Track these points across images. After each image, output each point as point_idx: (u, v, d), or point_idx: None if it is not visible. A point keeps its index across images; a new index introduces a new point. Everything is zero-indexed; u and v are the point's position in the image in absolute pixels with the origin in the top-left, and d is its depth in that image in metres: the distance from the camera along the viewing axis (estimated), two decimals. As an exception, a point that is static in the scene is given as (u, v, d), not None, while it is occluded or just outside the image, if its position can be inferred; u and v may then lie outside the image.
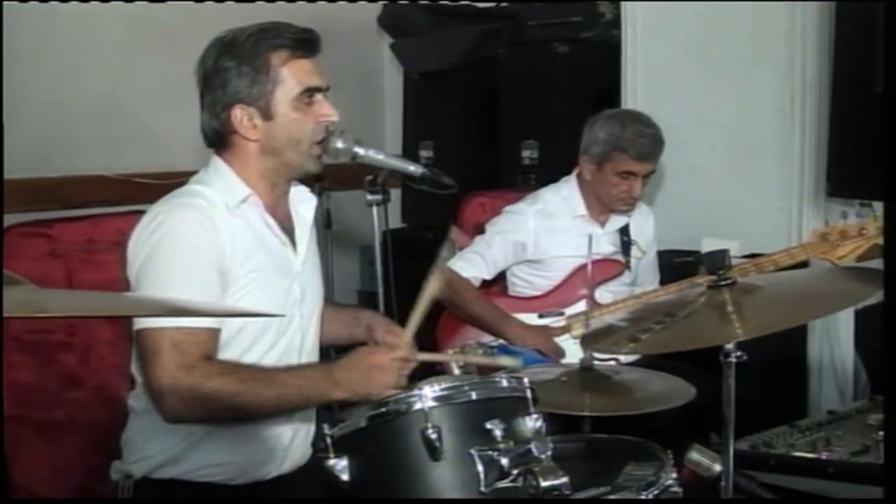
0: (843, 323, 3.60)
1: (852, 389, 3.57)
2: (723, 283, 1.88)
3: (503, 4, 4.61)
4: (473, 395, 1.65)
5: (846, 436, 2.47)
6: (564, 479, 1.51)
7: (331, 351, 2.49)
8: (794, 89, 3.60)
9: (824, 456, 2.37)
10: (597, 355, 2.32)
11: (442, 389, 1.64)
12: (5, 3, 3.79)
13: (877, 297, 1.80)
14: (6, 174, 3.79)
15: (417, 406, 1.62)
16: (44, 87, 3.96)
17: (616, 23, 4.15)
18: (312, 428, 2.24)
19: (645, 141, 3.03)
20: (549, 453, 1.56)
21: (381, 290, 2.54)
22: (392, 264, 2.77)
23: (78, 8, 4.02)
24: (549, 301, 3.13)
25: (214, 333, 2.03)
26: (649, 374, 2.34)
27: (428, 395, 1.62)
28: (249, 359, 2.09)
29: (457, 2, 4.73)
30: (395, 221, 4.60)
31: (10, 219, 3.35)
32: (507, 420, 1.62)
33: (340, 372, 1.98)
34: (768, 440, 2.47)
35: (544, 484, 1.50)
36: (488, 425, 1.60)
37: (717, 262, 1.87)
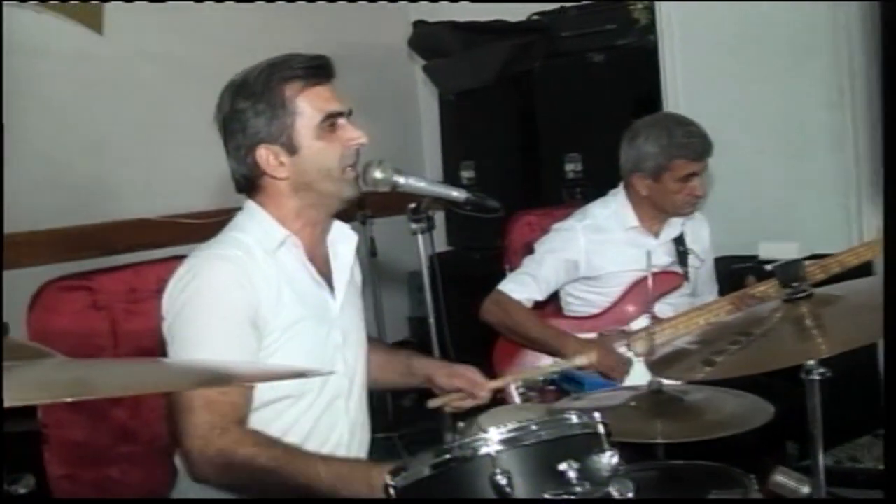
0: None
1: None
2: (799, 295, 1.72)
3: (535, 17, 4.50)
4: (543, 435, 1.50)
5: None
6: (649, 523, 1.36)
7: (388, 404, 2.37)
8: (842, 80, 3.44)
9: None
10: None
11: (508, 431, 1.49)
12: (38, 52, 3.76)
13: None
14: (48, 224, 3.80)
15: (484, 450, 1.47)
16: (81, 133, 3.92)
17: (651, 28, 4.05)
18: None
19: (697, 140, 2.91)
20: (630, 494, 1.41)
21: (431, 318, 2.41)
22: (441, 289, 2.64)
23: (111, 52, 3.98)
24: (607, 319, 2.97)
25: (248, 393, 1.92)
26: (722, 392, 2.17)
27: (494, 437, 1.48)
28: (296, 411, 1.99)
29: (487, 18, 4.60)
30: (441, 244, 4.49)
31: (54, 269, 3.30)
32: (581, 459, 1.47)
33: (381, 477, 1.83)
34: (853, 454, 2.31)
35: (628, 529, 1.35)
36: (561, 466, 1.45)
37: (790, 273, 1.71)
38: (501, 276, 3.15)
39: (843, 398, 3.02)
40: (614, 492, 1.42)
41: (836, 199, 3.44)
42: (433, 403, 2.25)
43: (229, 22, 4.34)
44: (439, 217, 4.04)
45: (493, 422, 1.96)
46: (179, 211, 4.12)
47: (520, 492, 1.45)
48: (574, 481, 1.45)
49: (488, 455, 1.47)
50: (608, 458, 1.50)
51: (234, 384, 1.73)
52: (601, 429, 1.54)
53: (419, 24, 4.72)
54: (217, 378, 1.37)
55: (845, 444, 2.37)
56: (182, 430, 1.87)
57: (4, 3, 3.60)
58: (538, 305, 3.02)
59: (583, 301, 3.05)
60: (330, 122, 2.00)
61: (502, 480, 1.44)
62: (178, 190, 4.18)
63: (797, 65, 3.58)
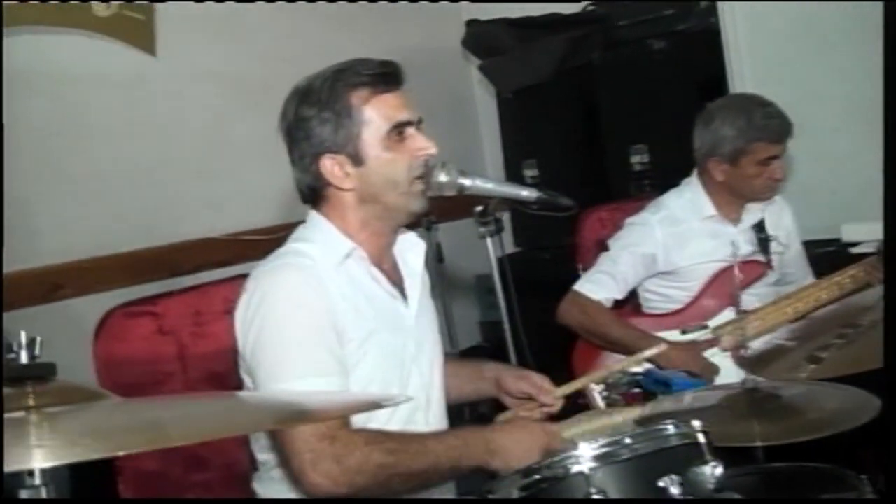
0: None
1: None
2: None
3: (590, 8, 4.37)
4: (639, 449, 1.39)
5: None
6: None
7: (464, 409, 2.27)
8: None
9: None
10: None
11: (601, 446, 1.38)
12: (93, 78, 3.74)
13: None
14: (114, 249, 3.77)
15: (576, 469, 1.37)
16: (140, 156, 3.89)
17: (712, 9, 3.89)
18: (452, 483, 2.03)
19: (777, 121, 2.78)
20: (741, 510, 1.29)
21: (506, 323, 2.29)
22: (513, 292, 2.53)
23: (166, 73, 3.94)
24: (690, 314, 2.83)
25: None
26: (821, 387, 2.02)
27: (586, 454, 1.37)
28: (373, 425, 1.88)
29: (541, 13, 4.47)
30: (508, 246, 4.38)
31: (123, 293, 3.25)
32: (683, 473, 1.36)
33: (499, 439, 1.77)
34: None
35: (742, 550, 1.23)
36: (661, 483, 1.34)
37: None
38: (573, 275, 3.03)
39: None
40: (723, 508, 1.29)
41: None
42: (502, 418, 2.15)
43: (282, 34, 4.29)
44: (505, 218, 3.94)
45: (574, 428, 1.85)
46: (243, 228, 4.05)
47: (618, 511, 1.34)
48: (677, 498, 1.33)
49: (581, 473, 1.36)
50: (712, 470, 1.39)
51: (311, 421, 1.64)
52: (702, 438, 1.42)
53: (472, 24, 4.61)
54: (295, 416, 1.27)
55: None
56: (289, 447, 1.79)
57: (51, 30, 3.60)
58: (616, 304, 2.90)
59: (662, 297, 2.91)
60: (398, 131, 1.91)
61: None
62: (241, 207, 4.13)
63: (870, 38, 3.38)
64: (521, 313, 2.38)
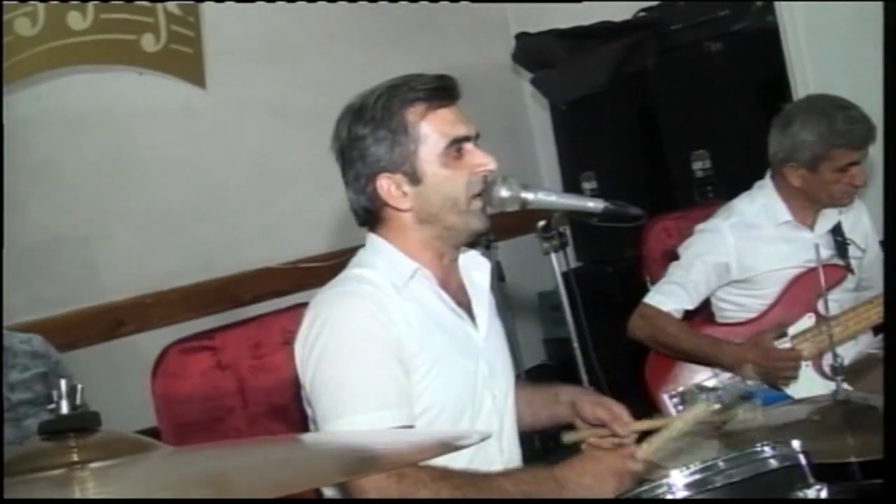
0: None
1: None
2: None
3: (641, 14, 4.29)
4: (735, 475, 1.27)
5: None
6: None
7: (534, 437, 2.16)
8: None
9: None
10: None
11: (693, 473, 1.26)
12: (144, 114, 3.74)
13: None
14: (174, 283, 3.75)
15: (668, 497, 1.25)
16: (194, 189, 3.88)
17: (769, 8, 3.75)
18: None
19: (860, 126, 2.63)
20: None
21: (575, 340, 2.18)
22: (581, 309, 2.42)
23: (216, 105, 3.94)
24: (766, 322, 2.69)
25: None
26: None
27: (678, 483, 1.25)
28: (447, 456, 1.77)
29: (591, 22, 4.40)
30: (570, 261, 4.30)
31: (185, 327, 3.21)
32: (784, 499, 1.23)
33: (568, 474, 1.66)
34: None
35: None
36: (763, 512, 1.22)
37: None
38: (638, 288, 2.93)
39: None
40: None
41: None
42: (569, 438, 2.03)
43: (330, 60, 4.27)
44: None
45: (646, 446, 1.73)
46: (300, 256, 4.03)
47: (716, 544, 1.22)
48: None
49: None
50: (816, 493, 1.26)
51: (380, 470, 1.55)
52: (803, 459, 1.30)
53: (522, 37, 4.57)
54: (363, 465, 1.17)
55: None
56: (355, 486, 1.70)
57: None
58: (687, 314, 2.78)
59: (737, 306, 2.79)
60: (456, 147, 1.83)
61: (693, 532, 1.22)
62: (297, 235, 4.11)
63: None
64: (588, 328, 2.28)
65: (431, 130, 1.83)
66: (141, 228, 3.77)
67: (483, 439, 1.77)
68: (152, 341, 3.45)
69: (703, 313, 2.85)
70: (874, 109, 3.19)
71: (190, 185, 3.88)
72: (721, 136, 3.78)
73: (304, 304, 1.95)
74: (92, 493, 0.78)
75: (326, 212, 4.09)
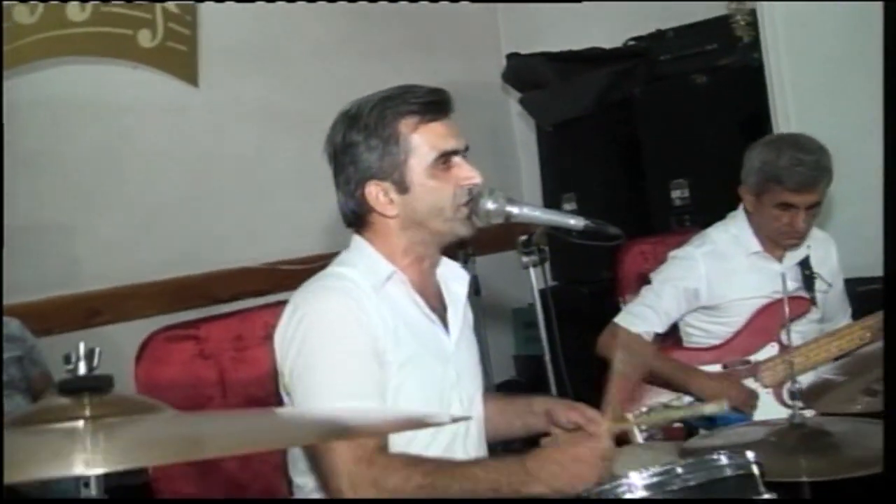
0: None
1: None
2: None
3: (631, 42, 4.43)
4: (691, 480, 1.37)
5: None
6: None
7: (497, 447, 2.24)
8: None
9: None
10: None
11: (651, 476, 1.36)
12: (135, 107, 3.81)
13: None
14: (151, 276, 3.81)
15: (627, 496, 1.35)
16: (179, 185, 3.96)
17: (755, 45, 3.86)
18: None
19: (803, 169, 2.68)
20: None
21: (547, 355, 2.27)
22: (555, 326, 2.51)
23: (207, 104, 4.02)
24: (732, 349, 2.80)
25: None
26: (868, 424, 2.00)
27: (637, 483, 1.35)
28: (415, 449, 1.88)
29: (582, 47, 4.53)
30: (547, 280, 4.40)
31: (160, 320, 3.29)
32: (737, 504, 1.34)
33: (536, 464, 1.73)
34: None
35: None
36: (715, 515, 1.32)
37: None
38: (612, 309, 3.02)
39: None
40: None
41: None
42: (546, 441, 2.12)
43: (322, 68, 4.37)
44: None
45: (623, 463, 1.83)
46: (280, 258, 4.12)
47: (669, 543, 1.32)
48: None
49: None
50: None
51: (352, 436, 1.63)
52: (756, 469, 1.40)
53: (512, 57, 4.69)
54: (335, 430, 1.27)
55: None
56: (328, 470, 1.79)
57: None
58: (657, 338, 2.88)
59: (704, 332, 2.89)
60: (444, 160, 1.92)
61: (648, 531, 1.32)
62: (278, 237, 4.20)
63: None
64: (561, 346, 2.37)
65: (422, 142, 1.91)
66: (124, 220, 3.84)
67: (453, 420, 1.84)
68: (127, 333, 3.52)
69: (672, 337, 2.95)
70: (853, 146, 3.34)
71: (175, 181, 3.96)
72: (701, 166, 3.88)
73: (286, 302, 2.04)
74: (101, 446, 0.86)
75: (308, 216, 4.17)
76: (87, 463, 0.86)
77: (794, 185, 2.69)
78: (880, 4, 3.32)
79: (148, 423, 0.94)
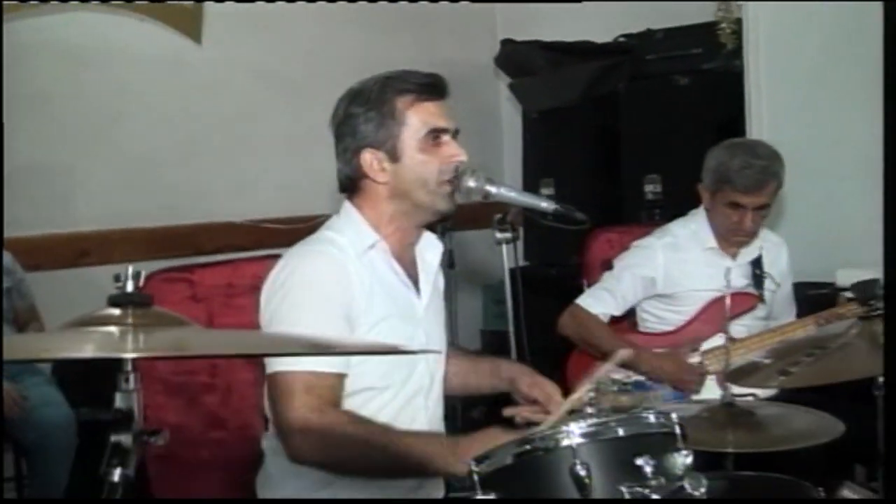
0: None
1: None
2: (875, 313, 1.82)
3: (621, 39, 4.62)
4: (621, 432, 1.62)
5: None
6: (720, 517, 1.47)
7: (456, 403, 2.48)
8: (931, 113, 3.47)
9: None
10: (736, 390, 2.27)
11: (589, 426, 1.62)
12: (139, 59, 4.00)
13: None
14: (145, 223, 4.02)
15: (565, 443, 1.59)
16: (175, 137, 4.15)
17: (738, 53, 4.10)
18: (441, 480, 2.26)
19: (751, 173, 2.93)
20: (703, 490, 1.53)
21: (511, 329, 2.49)
22: (521, 302, 2.74)
23: (208, 61, 4.20)
24: (682, 336, 3.07)
25: (342, 379, 2.07)
26: (793, 409, 2.27)
27: (575, 431, 1.60)
28: (379, 402, 2.13)
29: (574, 39, 4.74)
30: (519, 260, 4.61)
31: (148, 265, 3.50)
32: (657, 456, 1.59)
33: (464, 443, 1.96)
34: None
35: (699, 523, 1.47)
36: (638, 461, 1.57)
37: (867, 292, 1.81)
38: (577, 291, 3.27)
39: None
40: (688, 486, 1.52)
41: (919, 231, 3.48)
42: (508, 411, 2.35)
43: (322, 38, 4.54)
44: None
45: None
46: (264, 216, 4.33)
47: (597, 483, 1.57)
48: (649, 476, 1.56)
49: (570, 447, 1.59)
50: (683, 458, 1.61)
51: (333, 352, 1.84)
52: (678, 429, 1.66)
53: (507, 43, 4.89)
54: (314, 348, 1.51)
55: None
56: (283, 413, 2.03)
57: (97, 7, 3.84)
58: (614, 320, 3.14)
59: (658, 318, 3.15)
60: (434, 136, 2.14)
61: (581, 472, 1.56)
62: (264, 196, 4.40)
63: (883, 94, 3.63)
64: (525, 323, 2.60)
65: (415, 119, 2.14)
66: (118, 167, 4.03)
67: (424, 352, 2.06)
68: (111, 275, 3.74)
69: (628, 321, 3.21)
70: (817, 155, 3.62)
71: (170, 133, 4.15)
72: (675, 164, 4.08)
73: (275, 256, 2.27)
74: (142, 344, 1.11)
75: (294, 178, 4.38)
76: (129, 350, 1.11)
77: (742, 187, 2.94)
78: (859, 25, 3.59)
79: (175, 331, 1.19)
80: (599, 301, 3.09)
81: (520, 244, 4.51)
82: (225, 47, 4.24)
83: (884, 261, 1.46)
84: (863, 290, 1.84)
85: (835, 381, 1.78)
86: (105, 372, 3.74)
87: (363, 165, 2.16)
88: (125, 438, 1.17)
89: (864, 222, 3.61)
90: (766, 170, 2.95)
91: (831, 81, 3.76)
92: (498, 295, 2.56)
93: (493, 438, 1.94)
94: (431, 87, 2.17)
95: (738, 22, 4.07)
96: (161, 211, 4.10)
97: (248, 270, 2.59)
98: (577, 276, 3.48)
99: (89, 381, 3.73)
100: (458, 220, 3.41)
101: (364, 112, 2.15)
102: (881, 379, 1.80)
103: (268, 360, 2.09)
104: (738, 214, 2.98)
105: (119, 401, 1.20)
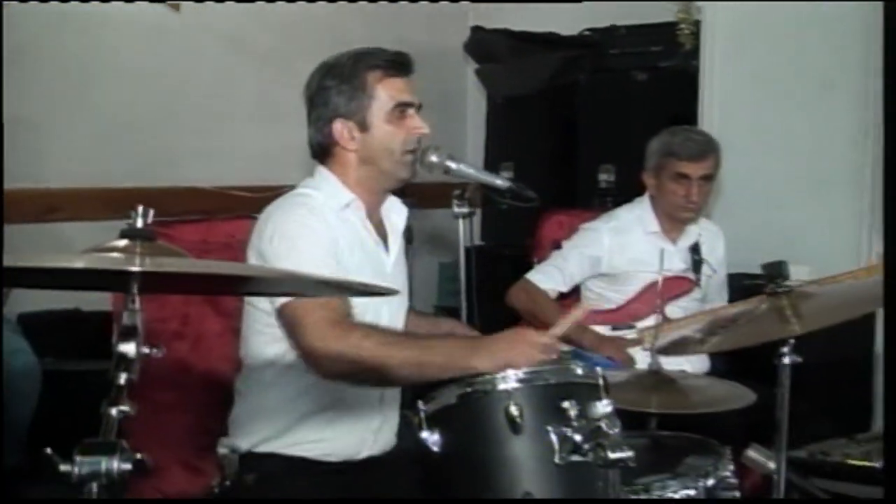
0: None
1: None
2: (781, 290, 2.12)
3: (586, 33, 4.86)
4: (551, 379, 1.91)
5: (901, 447, 2.67)
6: (630, 453, 1.75)
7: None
8: (867, 122, 3.80)
9: (878, 464, 2.57)
10: (665, 362, 2.57)
11: (524, 373, 1.90)
12: (119, 23, 4.19)
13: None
14: (112, 183, 4.22)
15: (502, 386, 1.88)
16: (149, 101, 4.32)
17: (694, 53, 4.37)
18: (397, 420, 2.52)
19: (693, 144, 3.29)
20: (617, 430, 1.80)
21: (464, 304, 2.69)
22: (474, 279, 2.97)
23: (186, 29, 4.39)
24: (622, 314, 3.36)
25: (348, 301, 2.28)
26: (714, 379, 2.58)
27: (511, 377, 1.89)
28: None
29: (541, 30, 4.98)
30: (476, 239, 4.85)
31: (111, 224, 3.72)
32: (581, 402, 1.87)
33: (487, 341, 2.14)
34: (826, 450, 2.69)
35: (612, 456, 1.74)
36: (564, 405, 1.85)
37: (775, 271, 2.11)
38: (528, 268, 3.54)
39: (835, 413, 3.41)
40: (604, 426, 1.80)
41: (850, 231, 3.81)
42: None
43: (297, 12, 4.69)
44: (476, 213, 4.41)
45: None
46: (231, 183, 4.49)
47: (528, 422, 1.86)
48: (573, 418, 1.85)
49: (506, 390, 1.88)
50: (604, 406, 1.89)
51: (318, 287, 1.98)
52: (601, 381, 1.94)
53: (476, 30, 5.12)
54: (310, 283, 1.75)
55: (823, 441, 2.75)
56: (302, 338, 2.22)
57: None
58: (561, 296, 3.42)
59: (601, 296, 3.43)
60: (400, 109, 2.40)
61: (515, 412, 1.85)
62: (233, 163, 4.57)
63: (828, 101, 3.95)
64: (477, 299, 2.85)
65: (384, 92, 2.40)
66: (90, 127, 4.18)
67: (392, 293, 2.07)
68: (79, 231, 3.92)
69: (573, 297, 3.48)
70: (760, 156, 3.93)
71: (144, 97, 4.31)
72: (629, 155, 4.21)
73: (249, 216, 2.52)
74: (149, 265, 1.36)
75: (264, 147, 4.56)
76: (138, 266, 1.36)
77: (687, 156, 3.28)
78: (807, 35, 3.90)
79: (174, 259, 1.45)
80: (548, 277, 3.38)
81: (478, 225, 4.85)
82: (203, 16, 4.39)
83: (884, 258, 1.65)
84: (771, 270, 2.13)
85: (746, 345, 2.10)
86: (70, 324, 4.01)
87: (335, 134, 2.41)
88: (130, 349, 1.42)
89: (801, 221, 3.96)
90: (706, 140, 3.32)
91: (778, 86, 4.06)
92: (453, 272, 2.80)
93: (514, 333, 2.16)
94: (399, 65, 2.43)
95: (697, 24, 4.34)
96: (130, 172, 4.23)
97: (222, 229, 2.83)
98: (529, 255, 3.74)
99: (54, 332, 3.96)
100: (418, 198, 3.68)
101: (337, 85, 2.40)
102: (784, 349, 2.10)
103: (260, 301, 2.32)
104: (685, 187, 3.28)
105: (126, 318, 1.45)
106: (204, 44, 4.48)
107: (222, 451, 2.45)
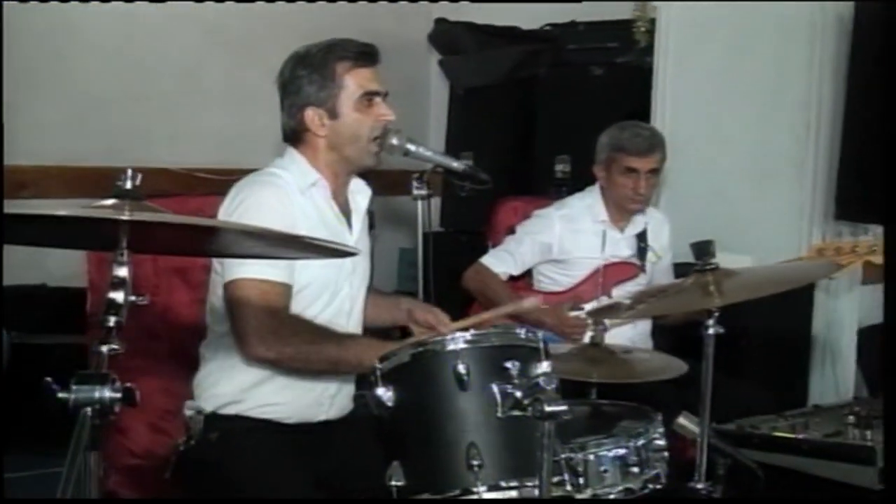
0: (846, 341, 4.05)
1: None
2: (707, 267, 2.37)
3: (547, 28, 5.09)
4: (496, 341, 2.13)
5: (823, 422, 2.93)
6: (564, 407, 1.95)
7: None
8: (810, 119, 4.05)
9: (801, 436, 2.83)
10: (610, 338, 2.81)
11: (471, 335, 2.12)
12: (88, 5, 4.35)
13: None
14: (80, 162, 4.37)
15: (451, 347, 2.09)
16: (121, 82, 4.50)
17: (649, 50, 4.58)
18: (353, 386, 2.74)
19: (641, 139, 3.51)
20: (554, 385, 2.01)
21: (421, 287, 2.95)
22: (432, 260, 3.16)
23: (156, 11, 4.56)
24: (570, 296, 3.58)
25: (290, 289, 2.52)
26: (651, 352, 2.82)
27: (460, 338, 2.11)
28: (310, 313, 2.57)
29: (503, 24, 5.22)
30: (435, 226, 5.06)
31: (74, 203, 3.89)
32: (523, 363, 2.08)
33: (396, 343, 2.42)
34: (754, 423, 2.93)
35: (548, 409, 1.95)
36: (507, 365, 2.06)
37: (703, 250, 2.36)
38: (483, 252, 3.75)
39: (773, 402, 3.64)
40: (542, 382, 2.01)
41: (791, 223, 4.06)
42: (410, 341, 2.83)
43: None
44: (436, 200, 4.60)
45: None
46: (198, 165, 4.70)
47: (475, 380, 2.07)
48: (515, 377, 2.06)
49: (454, 350, 2.10)
50: (543, 367, 2.12)
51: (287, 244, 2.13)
52: (541, 345, 2.17)
53: (440, 22, 5.34)
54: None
55: (752, 417, 2.99)
56: (240, 318, 2.46)
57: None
58: (513, 279, 3.65)
59: (551, 280, 3.66)
60: (368, 98, 2.60)
61: (462, 370, 2.07)
62: (200, 146, 4.77)
63: (774, 100, 4.20)
64: (434, 282, 3.04)
65: (352, 82, 2.59)
66: (59, 106, 4.35)
67: (353, 254, 2.34)
68: (47, 209, 4.06)
69: (524, 280, 3.72)
70: (708, 151, 4.17)
71: (115, 78, 4.51)
72: (584, 147, 4.38)
73: (216, 194, 2.72)
74: (135, 216, 1.57)
75: (231, 131, 4.76)
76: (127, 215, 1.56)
77: (635, 151, 3.50)
78: (757, 35, 4.14)
79: (162, 214, 1.66)
80: (501, 261, 3.60)
81: (437, 212, 5.05)
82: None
83: (884, 258, 1.80)
84: (699, 249, 2.37)
85: (671, 313, 2.34)
86: (36, 299, 4.17)
87: (306, 120, 2.61)
88: (119, 296, 1.63)
89: (746, 213, 4.21)
90: (653, 135, 3.55)
91: (728, 84, 4.30)
92: (413, 258, 2.99)
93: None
94: (367, 56, 2.64)
95: (653, 22, 4.55)
96: (98, 151, 4.42)
97: (191, 204, 3.01)
98: (485, 240, 3.97)
99: (21, 307, 4.12)
100: (381, 185, 3.90)
101: (308, 74, 2.60)
102: (710, 321, 2.35)
103: (227, 268, 2.50)
104: (633, 180, 3.50)
105: (116, 270, 1.66)
106: (176, 27, 4.67)
107: (188, 412, 2.63)
